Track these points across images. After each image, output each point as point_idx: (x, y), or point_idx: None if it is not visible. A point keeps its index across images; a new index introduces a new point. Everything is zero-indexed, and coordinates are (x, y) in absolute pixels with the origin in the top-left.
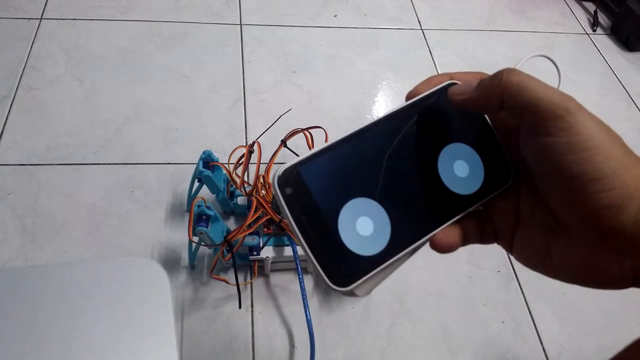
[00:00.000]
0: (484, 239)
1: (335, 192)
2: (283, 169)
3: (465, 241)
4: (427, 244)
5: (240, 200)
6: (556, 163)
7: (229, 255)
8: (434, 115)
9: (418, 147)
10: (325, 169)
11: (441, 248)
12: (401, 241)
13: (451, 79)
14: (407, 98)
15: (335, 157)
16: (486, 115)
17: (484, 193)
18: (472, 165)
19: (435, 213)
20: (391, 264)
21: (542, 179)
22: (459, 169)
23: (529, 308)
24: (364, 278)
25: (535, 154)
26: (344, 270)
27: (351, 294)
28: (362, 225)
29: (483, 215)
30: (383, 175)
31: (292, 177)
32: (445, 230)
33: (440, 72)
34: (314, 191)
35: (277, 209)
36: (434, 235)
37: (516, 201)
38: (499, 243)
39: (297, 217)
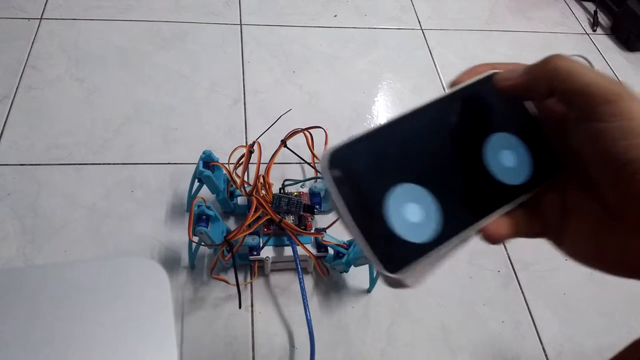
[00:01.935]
0: (532, 233)
1: (382, 177)
2: (331, 151)
3: (514, 233)
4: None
5: (240, 200)
6: (609, 149)
7: (229, 255)
8: (478, 104)
9: (463, 136)
10: (372, 152)
11: (492, 238)
12: (451, 229)
13: (493, 68)
14: (450, 87)
15: (382, 141)
16: (528, 106)
17: (531, 184)
18: (518, 155)
19: (484, 203)
20: (441, 252)
21: (594, 166)
22: (506, 159)
23: (529, 308)
24: (413, 264)
25: (587, 140)
26: (394, 256)
27: (399, 284)
28: (411, 211)
29: (530, 209)
30: (431, 161)
31: (341, 159)
32: (496, 221)
33: (441, 71)
34: (362, 174)
35: (277, 209)
36: (485, 225)
37: (563, 194)
38: (547, 238)
39: (346, 199)
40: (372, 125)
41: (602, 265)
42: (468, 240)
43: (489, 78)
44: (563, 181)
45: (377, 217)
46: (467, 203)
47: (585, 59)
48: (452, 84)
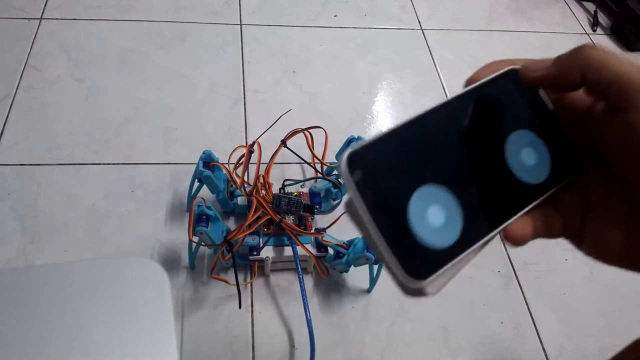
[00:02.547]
0: (552, 233)
1: (403, 179)
2: (349, 152)
3: (536, 234)
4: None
5: (240, 200)
6: None
7: (229, 255)
8: (498, 102)
9: (484, 135)
10: (391, 154)
11: (515, 239)
12: (474, 233)
13: (512, 64)
14: (467, 84)
15: (401, 142)
16: (548, 102)
17: (552, 183)
18: (538, 153)
19: (506, 203)
20: (464, 257)
21: (625, 160)
22: (526, 157)
23: (529, 308)
24: (438, 272)
25: (622, 133)
26: (417, 263)
27: (420, 293)
28: (434, 214)
29: (550, 208)
30: (451, 162)
31: (361, 160)
32: (518, 222)
33: (441, 71)
34: (382, 176)
35: (277, 209)
36: (508, 226)
37: (584, 192)
38: (567, 237)
39: (367, 202)
40: (391, 125)
41: (630, 264)
42: (489, 242)
43: (508, 74)
44: (583, 179)
45: (400, 222)
46: (489, 204)
47: None
48: (469, 81)
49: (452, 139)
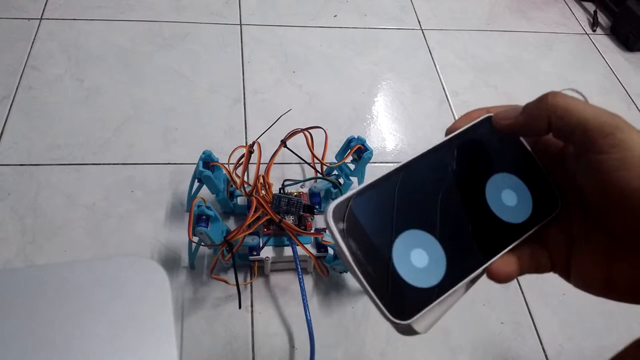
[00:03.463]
0: (540, 269)
1: (387, 225)
2: (335, 204)
3: (521, 271)
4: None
5: (240, 200)
6: (612, 180)
7: (229, 255)
8: (477, 148)
9: (465, 179)
10: (375, 203)
11: (498, 277)
12: (458, 272)
13: (487, 112)
14: (447, 133)
15: (384, 191)
16: (526, 144)
17: (534, 221)
18: (519, 193)
19: (489, 243)
20: (450, 295)
21: (597, 198)
22: (507, 198)
23: (529, 308)
24: (423, 310)
25: (588, 173)
26: (403, 303)
27: (410, 330)
28: (417, 257)
29: (536, 245)
30: (433, 207)
31: (345, 212)
32: (502, 260)
33: (441, 71)
34: (366, 225)
35: (277, 209)
36: (491, 264)
37: (567, 227)
38: (556, 272)
39: (352, 250)
40: (375, 177)
41: (613, 293)
42: (476, 281)
43: (485, 121)
44: (566, 214)
45: (383, 266)
46: (472, 245)
47: (579, 92)
48: (449, 131)
49: (434, 185)
